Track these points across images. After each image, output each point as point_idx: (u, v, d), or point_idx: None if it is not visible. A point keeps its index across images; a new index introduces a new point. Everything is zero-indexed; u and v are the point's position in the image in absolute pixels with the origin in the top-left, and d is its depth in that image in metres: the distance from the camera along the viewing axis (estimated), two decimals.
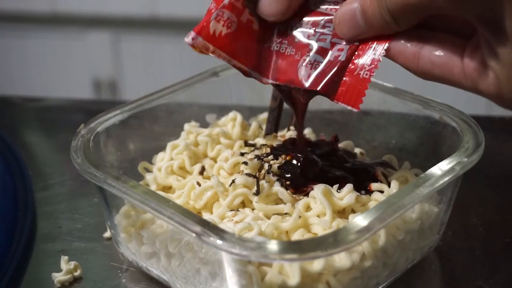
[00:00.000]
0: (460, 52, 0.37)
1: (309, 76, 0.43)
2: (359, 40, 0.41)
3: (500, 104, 0.37)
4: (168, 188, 0.53)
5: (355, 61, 0.42)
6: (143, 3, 1.54)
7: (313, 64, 0.43)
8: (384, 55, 0.40)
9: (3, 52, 1.68)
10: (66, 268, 0.51)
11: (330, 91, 0.43)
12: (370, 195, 0.48)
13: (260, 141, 0.55)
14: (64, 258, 0.52)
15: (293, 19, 0.45)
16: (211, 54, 0.44)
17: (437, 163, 0.45)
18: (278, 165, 0.49)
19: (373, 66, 0.41)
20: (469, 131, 0.49)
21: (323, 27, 0.43)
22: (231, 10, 0.44)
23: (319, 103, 0.50)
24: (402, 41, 0.39)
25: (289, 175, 0.48)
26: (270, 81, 0.45)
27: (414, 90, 0.55)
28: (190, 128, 0.57)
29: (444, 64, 0.37)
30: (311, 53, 0.44)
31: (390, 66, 0.43)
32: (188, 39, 0.43)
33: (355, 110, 0.42)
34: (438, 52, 0.37)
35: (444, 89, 0.46)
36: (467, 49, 0.37)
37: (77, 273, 0.51)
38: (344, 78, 0.42)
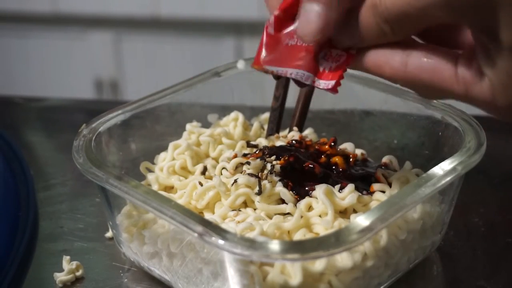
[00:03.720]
0: (453, 59, 0.36)
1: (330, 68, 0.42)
2: (355, 49, 0.40)
3: (493, 112, 0.36)
4: (170, 188, 0.53)
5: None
6: (145, 3, 1.54)
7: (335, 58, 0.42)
8: (369, 70, 0.39)
9: (4, 52, 1.69)
10: (68, 268, 0.51)
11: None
12: (372, 195, 0.48)
13: (262, 141, 0.55)
14: (66, 258, 0.52)
15: None
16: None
17: (439, 163, 0.45)
18: (280, 165, 0.49)
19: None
20: (471, 131, 0.49)
21: None
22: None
23: (321, 103, 0.50)
24: (388, 50, 0.38)
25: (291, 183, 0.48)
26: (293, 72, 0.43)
27: None
28: (192, 128, 0.57)
29: (435, 68, 0.36)
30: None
31: None
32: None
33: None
34: (428, 57, 0.37)
35: None
36: (462, 57, 0.36)
37: (79, 273, 0.51)
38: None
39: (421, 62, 0.37)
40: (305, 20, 0.40)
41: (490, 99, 0.35)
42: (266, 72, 0.43)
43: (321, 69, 0.42)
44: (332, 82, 0.41)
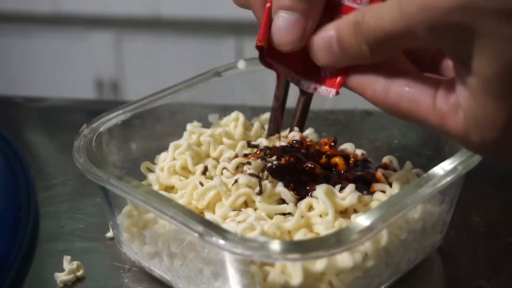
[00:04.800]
0: (433, 87, 0.36)
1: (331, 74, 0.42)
2: (335, 68, 0.39)
3: (467, 146, 0.35)
4: (170, 188, 0.53)
5: None
6: (146, 3, 1.54)
7: None
8: (352, 89, 0.39)
9: (5, 52, 1.69)
10: (68, 268, 0.51)
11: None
12: (372, 195, 0.48)
13: (263, 141, 0.55)
14: (66, 258, 0.52)
15: None
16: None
17: (440, 163, 0.45)
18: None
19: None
20: None
21: None
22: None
23: (322, 103, 0.50)
24: (374, 74, 0.37)
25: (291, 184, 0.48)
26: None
27: None
28: (192, 128, 0.57)
29: (413, 98, 0.36)
30: None
31: None
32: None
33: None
34: (409, 86, 0.36)
35: None
36: (442, 87, 0.35)
37: (79, 273, 0.51)
38: None
39: (402, 91, 0.36)
40: (281, 28, 0.39)
41: (463, 133, 0.34)
42: (262, 59, 0.42)
43: (322, 73, 0.41)
44: (333, 91, 0.41)
